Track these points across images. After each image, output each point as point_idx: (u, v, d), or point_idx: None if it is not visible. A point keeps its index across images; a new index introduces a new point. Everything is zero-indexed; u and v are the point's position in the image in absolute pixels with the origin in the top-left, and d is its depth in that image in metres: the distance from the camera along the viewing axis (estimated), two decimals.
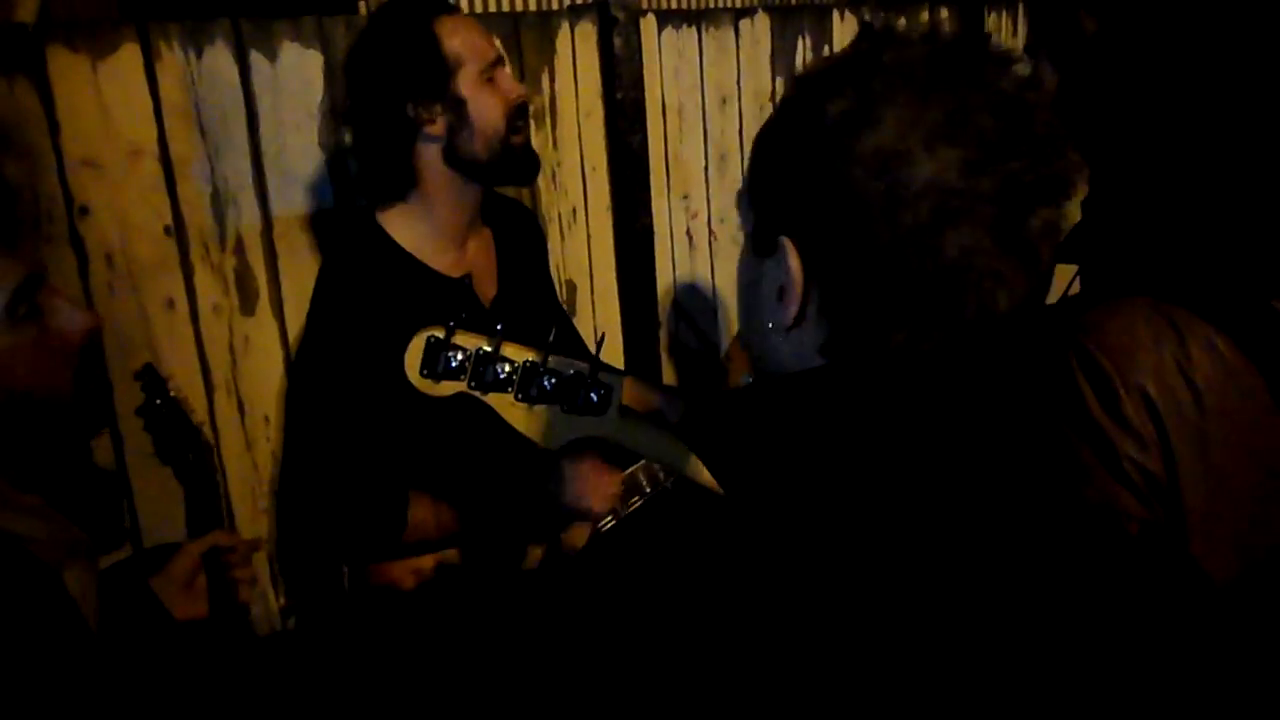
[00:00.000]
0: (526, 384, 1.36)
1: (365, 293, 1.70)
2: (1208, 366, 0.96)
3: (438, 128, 1.69)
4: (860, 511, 0.62)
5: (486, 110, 1.69)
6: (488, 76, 1.71)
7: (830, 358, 0.69)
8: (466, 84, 1.69)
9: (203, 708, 1.24)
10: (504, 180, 1.79)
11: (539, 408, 1.37)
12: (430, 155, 1.72)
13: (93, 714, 0.98)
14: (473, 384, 1.36)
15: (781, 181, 0.69)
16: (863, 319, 0.67)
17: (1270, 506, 0.96)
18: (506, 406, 1.37)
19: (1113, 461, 0.93)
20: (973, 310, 0.65)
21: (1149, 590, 0.66)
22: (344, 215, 2.00)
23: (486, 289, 1.84)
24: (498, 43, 1.77)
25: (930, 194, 0.62)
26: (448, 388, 1.37)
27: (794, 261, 0.67)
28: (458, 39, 1.68)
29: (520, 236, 1.99)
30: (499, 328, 1.37)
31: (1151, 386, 0.95)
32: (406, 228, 1.76)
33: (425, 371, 1.35)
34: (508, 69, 1.76)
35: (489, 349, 1.35)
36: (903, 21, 3.17)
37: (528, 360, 1.36)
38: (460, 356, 1.35)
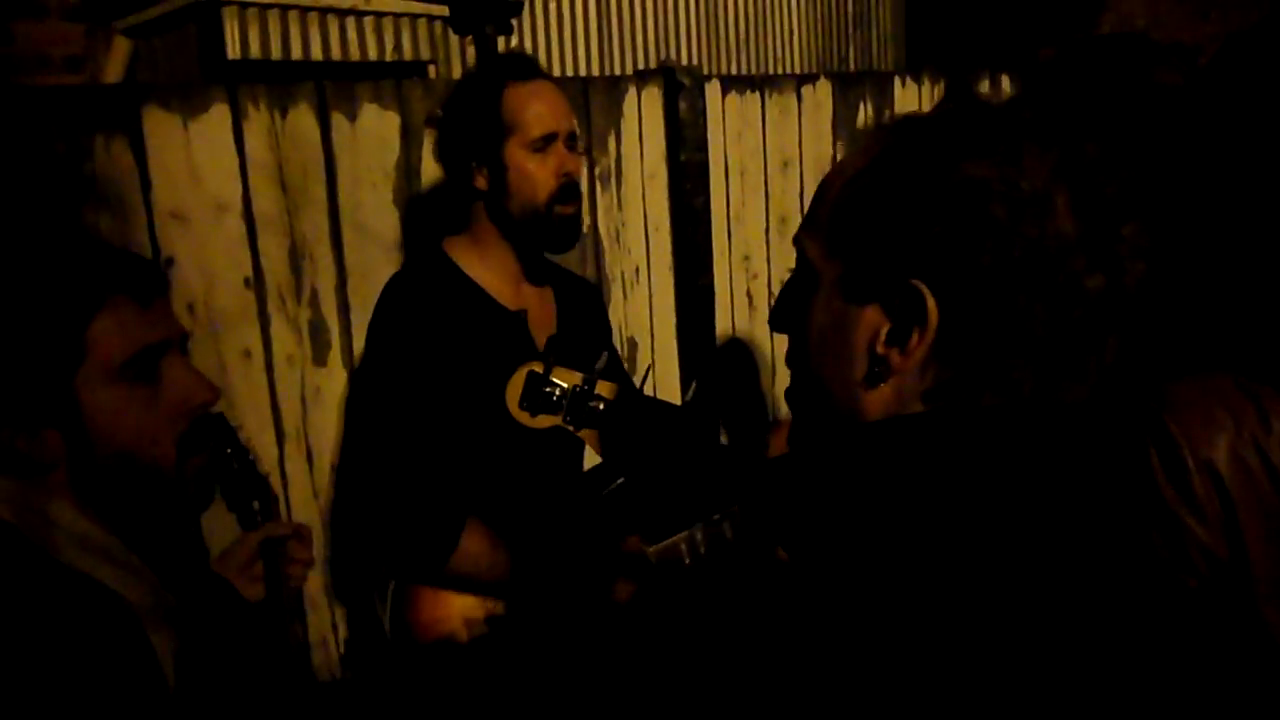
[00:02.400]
0: (616, 421, 1.39)
1: (424, 305, 1.76)
2: None
3: (481, 184, 1.77)
4: (938, 569, 0.62)
5: (528, 179, 1.75)
6: (539, 147, 1.75)
7: (938, 404, 0.69)
8: (513, 151, 1.75)
9: None
10: (539, 244, 1.83)
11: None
12: (478, 207, 1.81)
13: None
14: (569, 419, 1.41)
15: (915, 226, 0.68)
16: (995, 365, 0.67)
17: None
18: (595, 440, 1.41)
19: (1177, 539, 0.93)
20: (1097, 360, 0.67)
21: (1210, 665, 0.66)
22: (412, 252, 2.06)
23: (541, 333, 1.87)
24: (571, 117, 1.81)
25: (1075, 245, 0.65)
26: (545, 421, 1.43)
27: (931, 305, 0.67)
28: (518, 108, 1.75)
29: (582, 303, 2.03)
30: (597, 367, 1.41)
31: (1223, 463, 0.94)
32: (467, 258, 1.83)
33: (525, 404, 1.41)
34: (565, 143, 1.79)
35: (584, 386, 1.39)
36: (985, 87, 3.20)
37: (618, 397, 1.39)
38: (558, 393, 1.40)
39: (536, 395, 1.43)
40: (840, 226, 0.74)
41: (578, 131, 1.84)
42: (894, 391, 0.70)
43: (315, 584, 2.06)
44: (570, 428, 1.43)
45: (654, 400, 1.43)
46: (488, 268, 1.83)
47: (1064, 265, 0.65)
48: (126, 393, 1.04)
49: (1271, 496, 0.94)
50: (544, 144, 1.76)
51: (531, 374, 1.42)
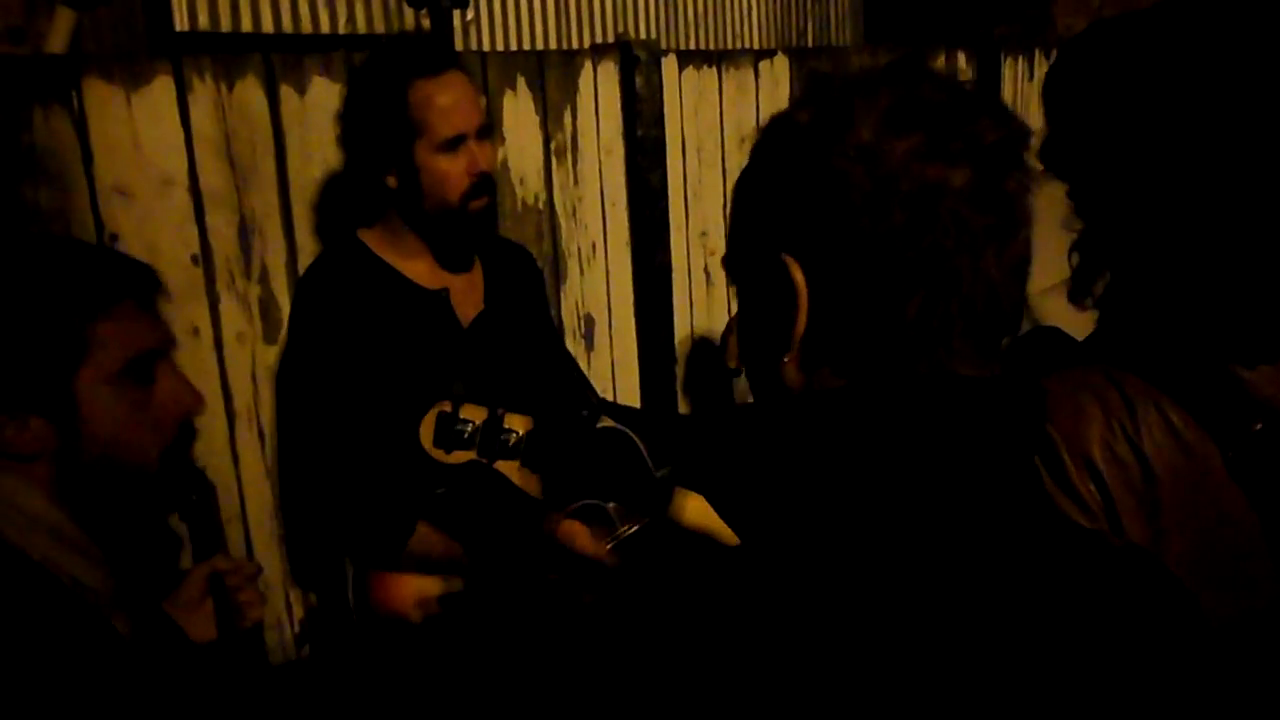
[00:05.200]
0: (531, 452, 1.44)
1: (342, 293, 1.74)
2: (1158, 436, 0.97)
3: (392, 184, 1.74)
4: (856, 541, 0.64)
5: (439, 181, 1.71)
6: (450, 146, 1.71)
7: (842, 362, 0.70)
8: (423, 152, 1.70)
9: None
10: (454, 239, 1.80)
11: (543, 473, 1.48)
12: (390, 203, 1.78)
13: None
14: (483, 454, 1.45)
15: (771, 202, 0.71)
16: (872, 306, 0.67)
17: (1218, 576, 0.97)
18: (514, 472, 1.45)
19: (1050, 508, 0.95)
20: (969, 274, 0.66)
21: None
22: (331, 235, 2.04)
23: (467, 310, 1.85)
24: (480, 108, 1.77)
25: (909, 172, 0.65)
26: (459, 457, 1.47)
27: (797, 274, 0.68)
28: (425, 107, 1.69)
29: (513, 272, 2.00)
30: (500, 411, 1.47)
31: (1098, 456, 0.96)
32: (382, 246, 1.81)
33: (439, 443, 1.45)
34: (475, 139, 1.74)
35: (493, 420, 1.43)
36: None
37: (531, 429, 1.44)
38: (469, 429, 1.44)
39: (448, 433, 1.46)
40: (729, 233, 0.77)
41: (489, 120, 1.79)
42: (800, 363, 0.71)
43: (270, 565, 2.04)
44: (485, 461, 1.46)
45: (567, 427, 1.48)
46: (405, 255, 1.80)
47: (898, 189, 0.65)
48: (122, 394, 1.07)
49: (1144, 490, 0.96)
50: (454, 145, 1.71)
51: (441, 414, 1.46)
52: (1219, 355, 0.97)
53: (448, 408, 1.47)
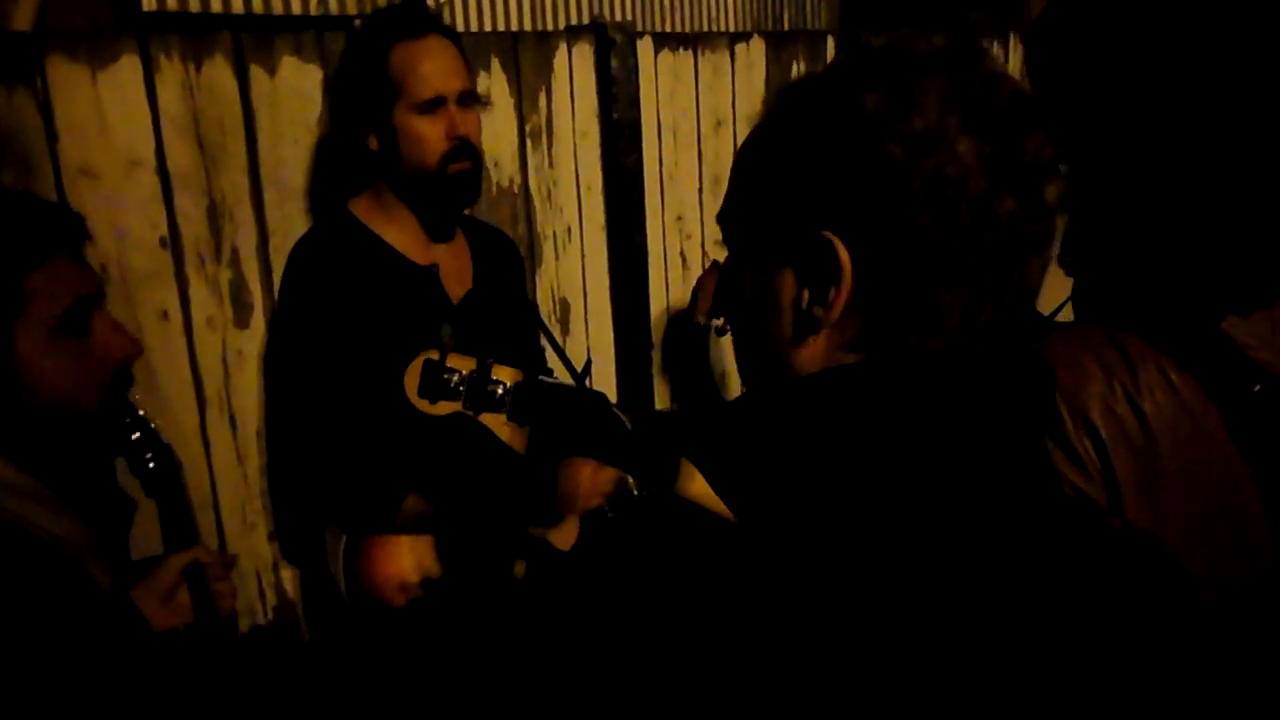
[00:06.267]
0: (518, 405, 1.41)
1: (332, 266, 1.73)
2: (1158, 395, 0.97)
3: (374, 146, 1.74)
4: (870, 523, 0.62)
5: (418, 143, 1.71)
6: (428, 108, 1.70)
7: (870, 344, 0.68)
8: (402, 114, 1.71)
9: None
10: (436, 204, 1.79)
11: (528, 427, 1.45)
12: (374, 168, 1.79)
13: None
14: (468, 404, 1.42)
15: (817, 178, 0.68)
16: (915, 300, 0.66)
17: (1216, 537, 0.97)
18: (499, 426, 1.42)
19: (1057, 489, 0.95)
20: (1015, 281, 0.66)
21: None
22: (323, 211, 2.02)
23: (455, 287, 1.85)
24: (462, 74, 1.75)
25: (975, 168, 0.64)
26: (445, 408, 1.44)
27: (844, 255, 0.66)
28: (405, 69, 1.70)
29: (498, 255, 2.00)
30: (488, 362, 1.44)
31: (1097, 415, 0.96)
32: (372, 217, 1.80)
33: (424, 392, 1.42)
34: (456, 103, 1.73)
35: (480, 371, 1.41)
36: None
37: (519, 382, 1.41)
38: (455, 379, 1.41)
39: (434, 382, 1.44)
40: (742, 195, 0.74)
41: (472, 87, 1.78)
42: (823, 345, 0.70)
43: (243, 552, 2.02)
44: (470, 413, 1.44)
45: (554, 383, 1.46)
46: (394, 225, 1.80)
47: (966, 191, 0.64)
48: (60, 346, 1.09)
49: (1143, 448, 0.96)
50: (432, 106, 1.70)
51: (428, 362, 1.44)
52: (1209, 307, 0.97)
53: (434, 356, 1.44)
